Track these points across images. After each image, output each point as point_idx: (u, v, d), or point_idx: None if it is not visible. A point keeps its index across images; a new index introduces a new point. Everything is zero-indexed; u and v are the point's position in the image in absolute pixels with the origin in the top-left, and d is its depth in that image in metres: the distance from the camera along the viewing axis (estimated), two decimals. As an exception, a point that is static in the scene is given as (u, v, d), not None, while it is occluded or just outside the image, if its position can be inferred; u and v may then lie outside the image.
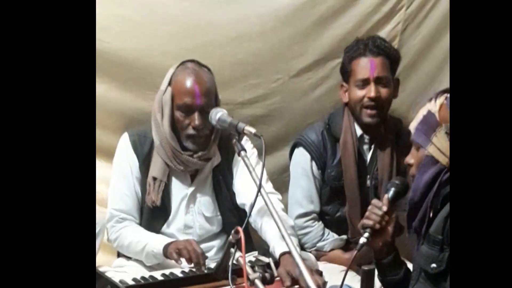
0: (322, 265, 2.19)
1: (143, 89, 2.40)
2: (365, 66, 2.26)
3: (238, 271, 1.65)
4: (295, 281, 1.78)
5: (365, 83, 2.26)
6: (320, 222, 2.39)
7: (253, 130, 1.79)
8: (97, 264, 2.00)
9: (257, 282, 1.60)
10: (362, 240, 1.66)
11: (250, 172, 1.78)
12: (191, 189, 2.19)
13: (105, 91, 2.38)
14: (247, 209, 2.14)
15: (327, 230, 2.39)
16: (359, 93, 2.27)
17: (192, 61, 2.14)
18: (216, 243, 2.26)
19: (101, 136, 2.44)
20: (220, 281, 1.75)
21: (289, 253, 1.80)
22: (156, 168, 2.14)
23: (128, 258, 2.19)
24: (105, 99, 2.39)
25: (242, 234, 1.59)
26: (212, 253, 2.22)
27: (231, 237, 1.67)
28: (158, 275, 1.87)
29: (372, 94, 2.24)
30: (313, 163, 2.35)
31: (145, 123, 2.22)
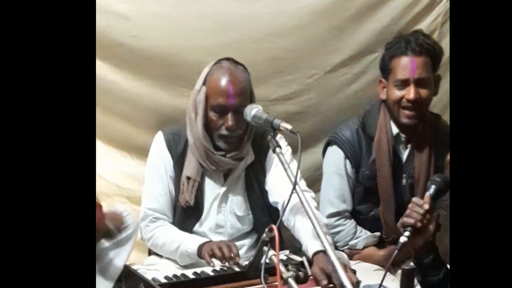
0: (355, 265, 2.15)
1: (177, 86, 2.41)
2: (406, 66, 2.18)
3: (270, 270, 1.63)
4: (330, 279, 1.75)
5: (404, 83, 2.18)
6: (352, 220, 2.35)
7: (289, 127, 1.77)
8: (128, 262, 2.02)
9: (291, 281, 1.58)
10: (403, 239, 1.61)
11: (285, 169, 1.76)
12: (224, 188, 2.19)
13: (139, 88, 2.41)
14: (279, 207, 2.12)
15: (359, 228, 2.35)
16: (398, 93, 2.20)
17: (228, 59, 2.12)
18: (247, 241, 2.25)
19: (135, 134, 2.47)
20: (251, 279, 1.74)
21: (322, 251, 1.78)
22: (190, 167, 2.13)
23: (160, 256, 2.20)
24: (139, 97, 2.42)
25: (276, 232, 1.57)
26: (243, 251, 2.20)
27: (264, 235, 1.65)
28: (189, 273, 1.87)
29: (412, 96, 2.16)
30: (347, 161, 2.30)
31: (179, 121, 2.22)
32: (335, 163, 2.32)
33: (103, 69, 2.37)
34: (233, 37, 2.36)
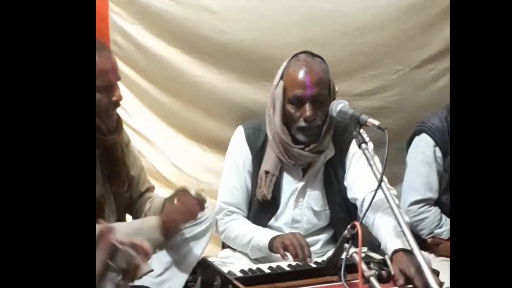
0: (438, 262, 2.09)
1: (260, 80, 2.44)
2: None
3: (348, 267, 1.61)
4: (408, 280, 1.70)
5: None
6: (437, 207, 2.29)
7: (376, 123, 1.73)
8: (204, 255, 2.05)
9: (373, 279, 1.54)
10: None
11: (371, 166, 1.73)
12: (302, 183, 2.18)
13: (222, 82, 2.45)
14: (357, 204, 2.09)
15: (444, 216, 2.28)
16: None
17: (305, 52, 2.11)
18: (322, 237, 2.23)
19: (216, 128, 2.52)
20: (328, 276, 1.72)
21: (402, 250, 1.73)
22: (269, 162, 2.14)
23: (233, 249, 2.22)
24: (222, 90, 2.46)
25: (359, 229, 1.54)
26: (318, 247, 2.19)
27: (346, 231, 1.62)
28: (265, 268, 1.87)
29: None
30: (437, 148, 2.26)
31: (259, 115, 2.24)
32: (422, 151, 2.29)
33: (188, 63, 2.43)
34: (320, 32, 2.35)
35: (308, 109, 2.03)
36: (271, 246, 2.02)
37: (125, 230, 1.76)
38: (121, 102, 1.85)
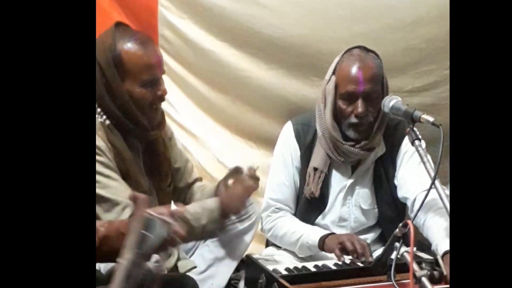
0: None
1: (309, 75, 2.41)
2: None
3: (398, 267, 1.56)
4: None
5: None
6: None
7: (431, 119, 1.70)
8: (248, 252, 2.03)
9: (424, 280, 1.50)
10: None
11: (424, 163, 1.69)
12: (351, 180, 2.15)
13: (271, 77, 2.44)
14: (408, 203, 2.05)
15: None
16: None
17: (359, 47, 2.07)
18: (370, 236, 2.19)
19: (263, 124, 2.50)
20: (377, 275, 1.68)
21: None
22: (318, 158, 2.11)
23: (278, 247, 2.20)
24: (270, 86, 2.45)
25: (412, 228, 1.50)
26: (364, 246, 2.15)
27: (397, 230, 1.58)
28: (310, 266, 1.85)
29: None
30: None
31: (308, 111, 2.21)
32: None
33: (237, 58, 2.43)
34: (372, 27, 2.31)
35: (360, 105, 1.99)
36: (322, 245, 1.99)
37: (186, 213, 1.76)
38: (167, 97, 1.86)
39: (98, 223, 1.55)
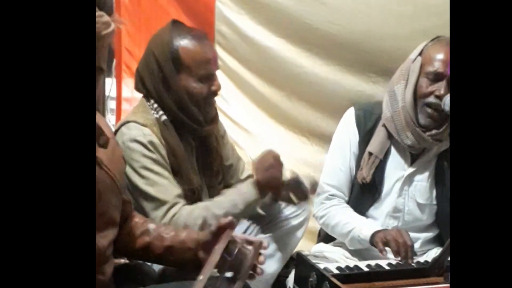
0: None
1: (366, 71, 2.37)
2: None
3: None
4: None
5: None
6: None
7: None
8: (298, 249, 2.03)
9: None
10: None
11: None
12: (410, 170, 2.10)
13: (327, 73, 2.41)
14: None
15: None
16: None
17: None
18: (423, 235, 2.14)
19: (317, 120, 2.48)
20: (432, 277, 1.66)
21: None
22: (375, 143, 2.09)
23: (329, 241, 2.19)
24: (326, 82, 2.42)
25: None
26: (417, 245, 2.08)
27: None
28: (363, 265, 1.83)
29: None
30: None
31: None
32: None
33: (294, 54, 2.41)
34: (434, 23, 2.24)
35: (444, 87, 1.98)
36: (372, 239, 1.97)
37: (223, 207, 1.78)
38: (221, 92, 1.89)
39: (161, 228, 1.59)
